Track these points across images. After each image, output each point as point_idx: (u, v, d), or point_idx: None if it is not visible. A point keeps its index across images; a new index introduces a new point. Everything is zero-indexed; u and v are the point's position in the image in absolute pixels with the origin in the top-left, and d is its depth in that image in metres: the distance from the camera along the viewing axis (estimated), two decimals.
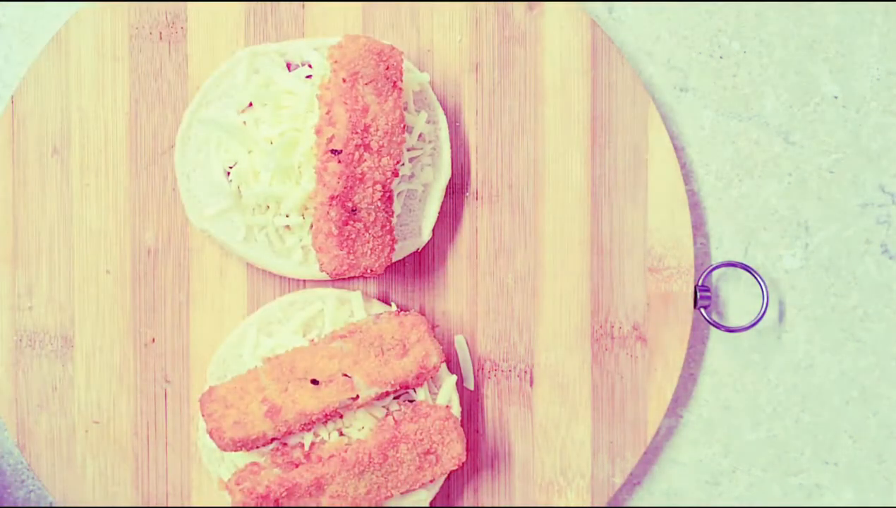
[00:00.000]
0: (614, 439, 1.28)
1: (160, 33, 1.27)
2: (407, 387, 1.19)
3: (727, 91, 1.31)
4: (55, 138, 1.27)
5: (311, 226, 1.20)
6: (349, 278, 1.23)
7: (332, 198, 1.15)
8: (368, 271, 1.18)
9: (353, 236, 1.16)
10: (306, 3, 1.27)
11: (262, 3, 1.26)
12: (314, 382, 1.17)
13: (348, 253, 1.16)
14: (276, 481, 1.16)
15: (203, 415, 1.17)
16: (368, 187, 1.16)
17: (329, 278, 1.24)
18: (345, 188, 1.15)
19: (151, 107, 1.27)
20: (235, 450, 1.17)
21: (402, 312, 1.22)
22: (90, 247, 1.27)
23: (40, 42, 1.30)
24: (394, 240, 1.19)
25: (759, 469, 1.33)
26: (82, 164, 1.27)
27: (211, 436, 1.16)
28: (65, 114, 1.27)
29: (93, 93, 1.27)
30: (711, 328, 1.32)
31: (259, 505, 1.17)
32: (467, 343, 1.28)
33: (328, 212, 1.15)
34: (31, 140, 1.27)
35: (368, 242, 1.17)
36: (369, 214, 1.17)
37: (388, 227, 1.18)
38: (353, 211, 1.16)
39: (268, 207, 1.20)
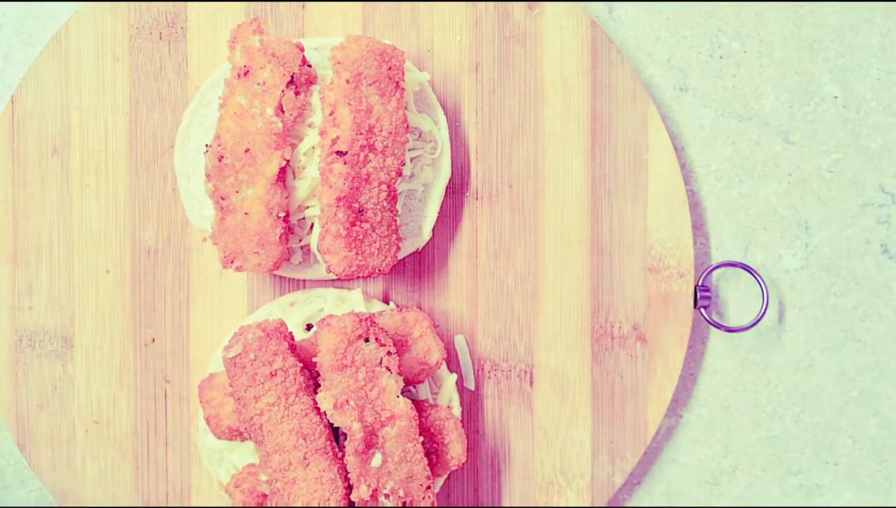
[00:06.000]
0: (614, 439, 1.28)
1: (160, 33, 1.27)
2: (408, 383, 1.19)
3: (727, 91, 1.31)
4: (55, 138, 1.27)
5: (312, 227, 1.20)
6: (354, 278, 1.22)
7: (338, 199, 1.15)
8: (376, 271, 1.18)
9: (361, 237, 1.17)
10: (306, 3, 1.27)
11: (262, 3, 1.26)
12: (315, 375, 1.17)
13: (357, 254, 1.16)
14: None
15: (201, 401, 1.17)
16: (374, 187, 1.16)
17: (328, 278, 1.24)
18: (351, 189, 1.15)
19: (151, 107, 1.27)
20: (231, 439, 1.17)
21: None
22: (90, 247, 1.27)
23: (40, 42, 1.30)
24: (399, 240, 1.19)
25: (759, 469, 1.33)
26: (82, 164, 1.27)
27: (208, 423, 1.17)
28: (65, 114, 1.27)
29: (93, 93, 1.27)
30: (711, 328, 1.32)
31: (260, 506, 1.17)
32: (467, 342, 1.28)
33: (335, 214, 1.15)
34: (31, 140, 1.27)
35: (375, 242, 1.17)
36: (375, 214, 1.17)
37: (393, 227, 1.18)
38: (359, 211, 1.16)
39: None
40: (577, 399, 1.28)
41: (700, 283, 1.29)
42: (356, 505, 1.15)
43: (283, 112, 1.15)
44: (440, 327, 1.28)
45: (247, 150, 1.14)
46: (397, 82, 1.17)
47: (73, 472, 1.27)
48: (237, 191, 1.15)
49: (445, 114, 1.27)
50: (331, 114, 1.16)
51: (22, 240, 1.27)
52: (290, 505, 1.13)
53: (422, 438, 1.15)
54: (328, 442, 1.14)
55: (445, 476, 1.23)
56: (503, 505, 1.28)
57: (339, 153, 1.15)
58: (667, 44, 1.32)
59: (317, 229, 1.19)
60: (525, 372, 1.28)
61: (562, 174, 1.28)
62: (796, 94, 1.32)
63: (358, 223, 1.17)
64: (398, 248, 1.19)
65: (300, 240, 1.21)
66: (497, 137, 1.28)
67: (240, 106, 1.15)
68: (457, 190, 1.28)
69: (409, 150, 1.22)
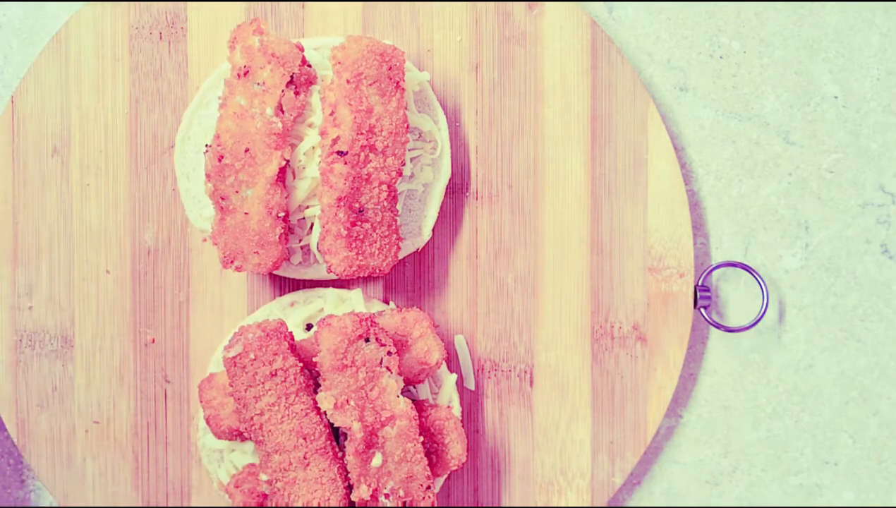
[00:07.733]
0: (614, 439, 1.28)
1: (160, 33, 1.27)
2: (408, 383, 1.19)
3: (727, 91, 1.31)
4: (55, 138, 1.27)
5: (312, 227, 1.20)
6: (355, 278, 1.22)
7: (339, 199, 1.15)
8: (376, 271, 1.18)
9: (361, 237, 1.17)
10: (306, 3, 1.27)
11: (262, 3, 1.26)
12: (315, 375, 1.17)
13: (357, 254, 1.16)
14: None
15: (201, 401, 1.17)
16: (374, 188, 1.16)
17: (328, 278, 1.24)
18: (351, 189, 1.15)
19: (151, 107, 1.27)
20: (231, 439, 1.17)
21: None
22: (90, 247, 1.27)
23: (40, 42, 1.30)
24: (399, 240, 1.19)
25: (759, 469, 1.33)
26: (82, 164, 1.27)
27: (208, 423, 1.17)
28: (65, 114, 1.27)
29: (93, 93, 1.27)
30: (711, 328, 1.32)
31: (260, 506, 1.17)
32: (467, 342, 1.28)
33: (336, 214, 1.15)
34: (31, 140, 1.27)
35: (376, 242, 1.18)
36: (376, 214, 1.17)
37: (394, 227, 1.18)
38: (360, 211, 1.16)
39: None
40: (577, 399, 1.28)
41: (700, 283, 1.29)
42: (356, 505, 1.15)
43: (283, 112, 1.16)
44: (440, 327, 1.28)
45: (246, 150, 1.15)
46: (397, 82, 1.17)
47: (73, 472, 1.27)
48: (237, 191, 1.15)
49: (445, 114, 1.27)
50: (331, 115, 1.16)
51: (22, 240, 1.27)
52: (290, 505, 1.14)
53: (422, 438, 1.15)
54: (328, 442, 1.14)
55: (445, 476, 1.23)
56: (503, 505, 1.28)
57: (340, 153, 1.15)
58: (667, 44, 1.32)
59: (317, 229, 1.19)
60: (525, 372, 1.28)
61: (562, 174, 1.28)
62: (796, 94, 1.32)
63: (358, 223, 1.17)
64: (398, 248, 1.19)
65: (300, 240, 1.21)
66: (497, 137, 1.28)
67: (240, 106, 1.15)
68: (457, 190, 1.28)
69: (409, 150, 1.22)
